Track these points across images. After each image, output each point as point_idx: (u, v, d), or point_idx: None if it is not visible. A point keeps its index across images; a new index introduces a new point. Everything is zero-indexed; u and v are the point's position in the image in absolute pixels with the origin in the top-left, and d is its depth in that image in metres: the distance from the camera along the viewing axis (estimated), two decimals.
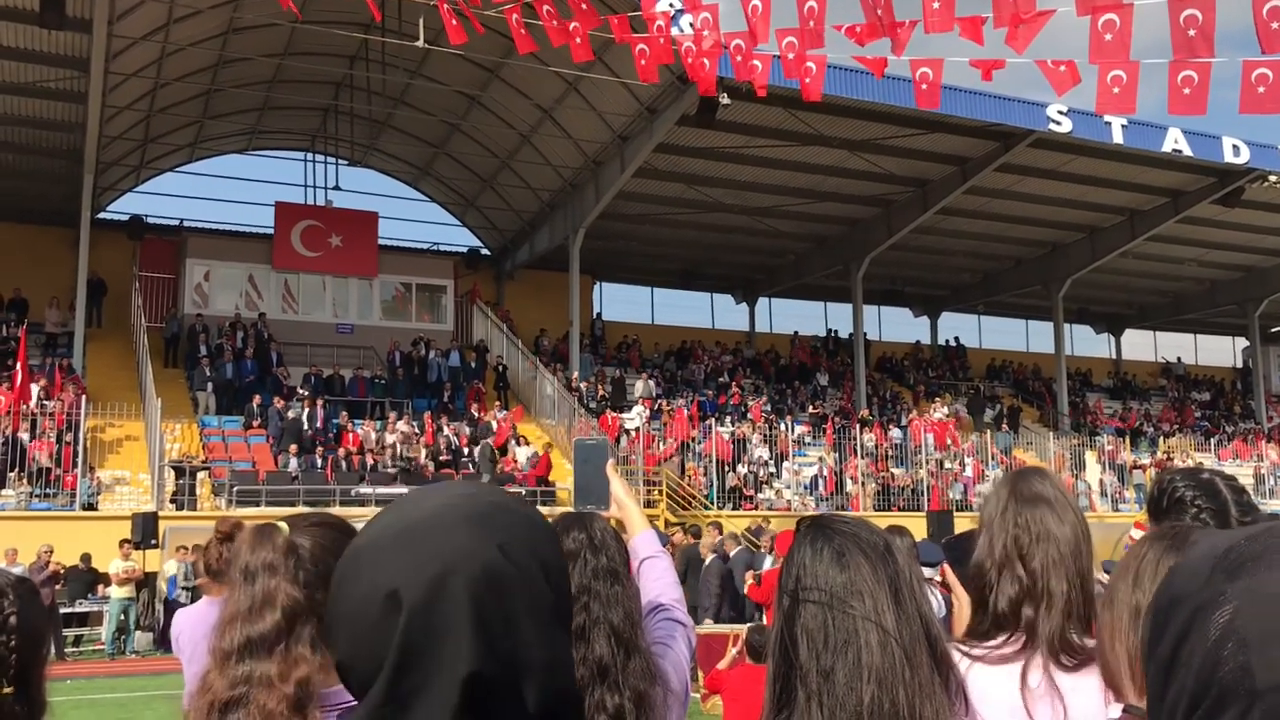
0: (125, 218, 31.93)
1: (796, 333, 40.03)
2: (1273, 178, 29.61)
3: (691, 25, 10.79)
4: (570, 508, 2.80)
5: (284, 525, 2.13)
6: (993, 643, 2.14)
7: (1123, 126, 26.75)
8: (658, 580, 2.60)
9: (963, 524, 18.71)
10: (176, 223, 32.82)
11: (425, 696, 0.93)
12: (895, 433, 30.74)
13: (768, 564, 15.48)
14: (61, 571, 18.55)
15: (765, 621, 10.62)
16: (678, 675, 2.38)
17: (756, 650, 6.19)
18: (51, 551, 18.18)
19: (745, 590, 15.54)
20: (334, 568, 1.03)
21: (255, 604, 2.00)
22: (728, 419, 29.69)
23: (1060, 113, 26.47)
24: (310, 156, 35.03)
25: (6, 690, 1.65)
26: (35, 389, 23.03)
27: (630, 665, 2.23)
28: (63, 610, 18.45)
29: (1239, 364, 47.41)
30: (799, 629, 1.59)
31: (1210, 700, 0.75)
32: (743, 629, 8.85)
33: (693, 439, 27.71)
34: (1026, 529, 2.17)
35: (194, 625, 4.91)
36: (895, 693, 1.53)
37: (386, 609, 0.94)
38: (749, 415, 30.11)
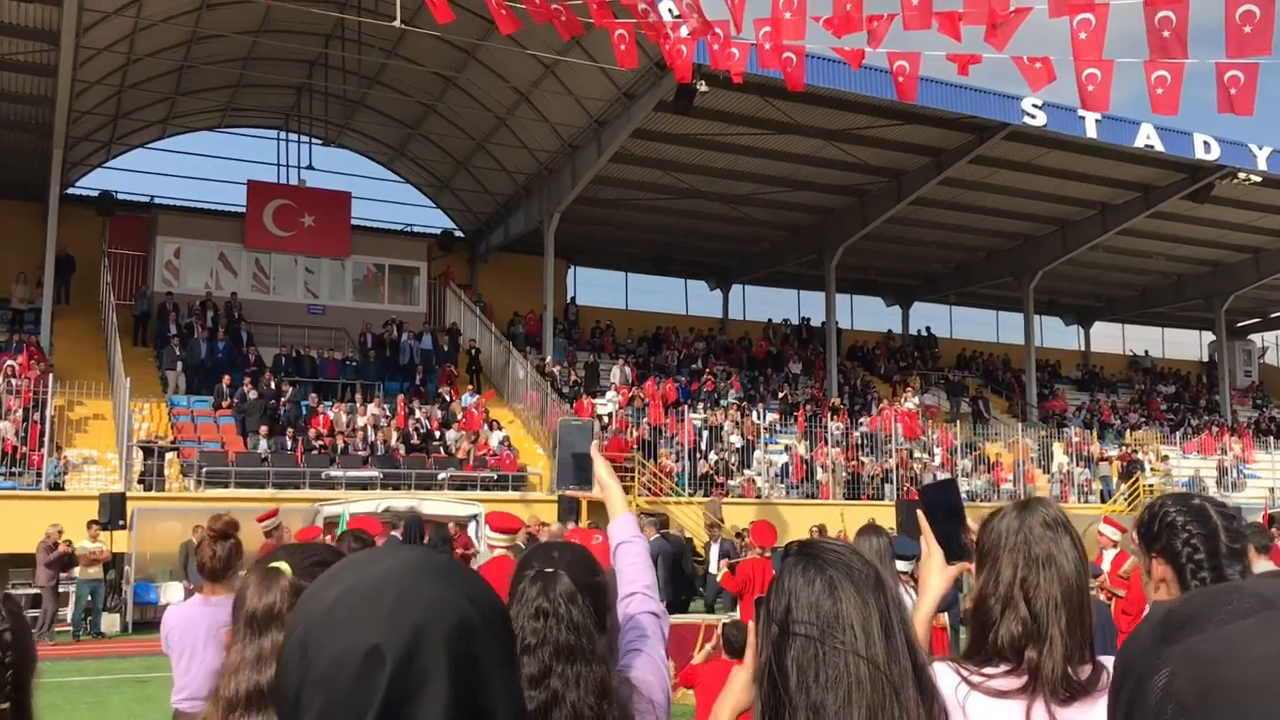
0: (95, 193, 31.54)
1: (770, 320, 40.15)
2: (1242, 174, 29.91)
3: (671, 11, 10.76)
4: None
5: (286, 567, 2.11)
6: (992, 670, 2.11)
7: (1096, 121, 26.95)
8: (630, 566, 2.60)
9: None
10: (147, 199, 32.49)
11: None
12: (865, 421, 30.91)
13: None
14: (72, 552, 18.00)
15: (739, 613, 10.64)
16: (659, 682, 2.31)
17: (733, 645, 6.23)
18: (61, 531, 17.80)
19: (720, 579, 15.63)
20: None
21: (264, 654, 1.98)
22: (700, 406, 29.74)
23: (1035, 106, 26.62)
24: (284, 135, 34.70)
25: (2, 706, 1.64)
26: (8, 364, 22.76)
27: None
28: (28, 591, 18.23)
29: (1205, 358, 47.95)
30: (789, 661, 1.59)
31: None
32: (716, 620, 8.90)
33: (665, 425, 27.76)
34: (1034, 568, 2.12)
35: (185, 624, 4.86)
36: None
37: (367, 666, 0.94)
38: (721, 402, 30.17)
